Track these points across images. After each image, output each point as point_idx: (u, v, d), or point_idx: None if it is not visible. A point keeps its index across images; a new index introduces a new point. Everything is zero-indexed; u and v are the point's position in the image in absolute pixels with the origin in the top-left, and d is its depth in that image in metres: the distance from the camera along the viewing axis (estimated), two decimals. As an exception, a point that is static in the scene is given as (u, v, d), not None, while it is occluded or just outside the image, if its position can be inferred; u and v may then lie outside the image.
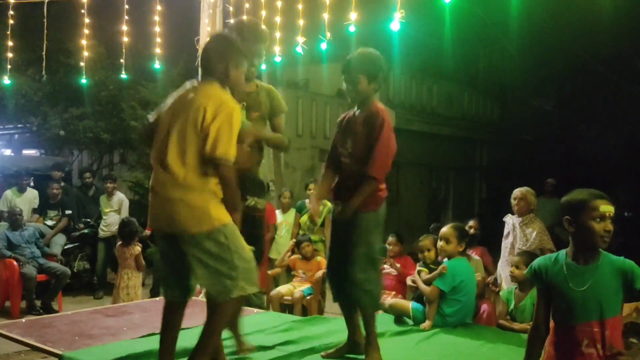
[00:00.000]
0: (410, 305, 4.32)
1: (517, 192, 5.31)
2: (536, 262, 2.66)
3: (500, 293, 4.76)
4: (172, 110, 2.86)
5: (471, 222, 5.81)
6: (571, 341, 2.48)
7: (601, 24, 11.37)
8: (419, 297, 4.33)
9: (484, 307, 4.79)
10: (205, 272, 2.76)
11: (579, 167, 13.20)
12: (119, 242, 6.44)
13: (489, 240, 6.24)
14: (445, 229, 4.31)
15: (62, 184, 8.68)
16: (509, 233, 5.33)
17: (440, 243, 4.31)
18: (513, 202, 5.31)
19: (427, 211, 14.83)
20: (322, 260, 6.22)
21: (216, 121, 2.72)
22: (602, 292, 2.47)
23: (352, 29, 4.77)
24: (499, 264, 5.42)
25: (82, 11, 7.12)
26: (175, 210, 2.74)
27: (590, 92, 14.46)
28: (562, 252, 2.59)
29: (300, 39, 5.70)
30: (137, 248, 6.28)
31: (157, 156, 2.83)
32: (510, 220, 5.35)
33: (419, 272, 4.46)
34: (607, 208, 2.46)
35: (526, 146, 15.30)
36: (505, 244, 5.35)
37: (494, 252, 5.80)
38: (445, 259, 4.30)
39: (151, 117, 3.01)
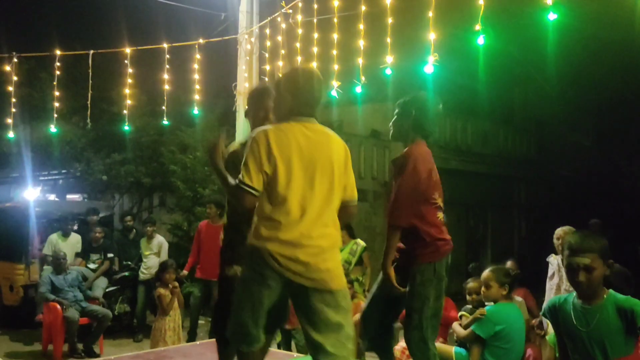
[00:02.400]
0: (452, 350, 4.22)
1: (559, 231, 5.19)
2: (549, 301, 2.74)
3: (547, 337, 4.61)
4: (304, 160, 2.71)
5: (509, 263, 5.68)
6: None
7: (638, 59, 11.24)
8: (462, 341, 4.23)
9: (529, 351, 4.65)
10: (334, 334, 2.64)
11: (622, 204, 12.86)
12: (158, 284, 6.56)
13: (531, 280, 6.09)
14: (484, 273, 4.21)
15: (105, 227, 8.88)
16: (554, 274, 5.19)
17: (482, 289, 4.21)
18: (556, 241, 5.18)
19: (465, 251, 14.58)
20: (359, 302, 6.15)
21: (348, 167, 2.80)
22: (605, 333, 2.47)
23: (388, 72, 4.84)
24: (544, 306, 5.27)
25: (125, 61, 7.44)
26: (324, 264, 2.63)
27: (630, 127, 14.20)
28: (573, 293, 2.64)
29: (335, 83, 5.80)
30: (176, 285, 6.43)
31: (302, 202, 2.67)
32: (555, 261, 5.22)
33: (460, 317, 4.37)
34: (570, 261, 2.57)
35: (565, 183, 15.02)
36: (551, 285, 5.21)
37: (536, 292, 5.65)
38: (489, 304, 4.19)
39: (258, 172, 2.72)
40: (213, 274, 7.52)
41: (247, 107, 3.39)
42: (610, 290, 2.58)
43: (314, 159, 2.71)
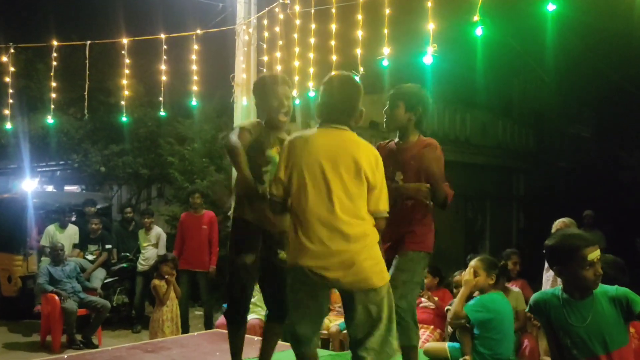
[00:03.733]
0: (446, 346, 4.22)
1: (558, 222, 5.20)
2: (535, 297, 2.71)
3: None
4: (327, 160, 2.67)
5: (512, 256, 5.70)
6: None
7: (638, 50, 11.21)
8: (454, 336, 4.24)
9: (526, 342, 4.66)
10: (378, 331, 2.66)
11: (621, 196, 12.87)
12: (155, 276, 6.58)
13: (529, 271, 6.10)
14: (472, 262, 4.21)
15: (103, 218, 8.89)
16: (550, 265, 5.20)
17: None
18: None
19: (463, 242, 14.59)
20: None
21: (378, 174, 2.68)
22: (604, 325, 2.46)
23: (385, 63, 4.82)
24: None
25: (123, 52, 7.40)
26: (361, 264, 2.61)
27: (629, 119, 14.19)
28: (558, 287, 2.62)
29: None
30: (173, 274, 6.45)
31: (329, 207, 2.62)
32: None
33: (446, 311, 4.42)
34: (594, 255, 2.51)
35: (564, 174, 15.03)
36: (547, 276, 5.22)
37: (534, 284, 5.66)
38: (477, 293, 4.19)
39: (277, 183, 2.76)
40: (198, 264, 7.58)
41: (256, 99, 3.31)
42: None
43: (335, 161, 2.66)
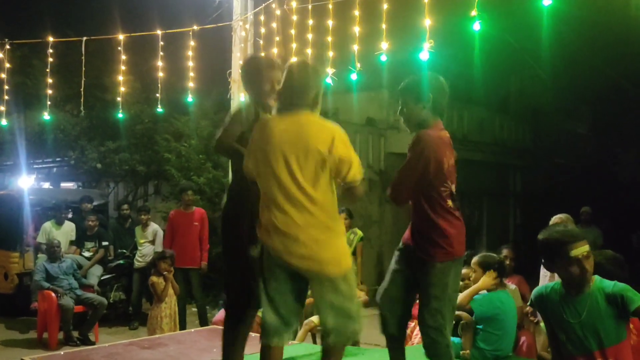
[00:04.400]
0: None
1: (555, 218, 5.19)
2: (536, 291, 2.68)
3: (541, 324, 4.63)
4: (282, 147, 2.75)
5: (505, 251, 5.69)
6: None
7: (634, 47, 11.21)
8: (455, 330, 4.24)
9: (523, 338, 4.66)
10: (336, 315, 2.75)
11: (617, 192, 12.89)
12: (152, 273, 6.57)
13: (526, 267, 6.09)
14: (473, 260, 4.25)
15: (99, 215, 8.87)
16: (548, 261, 5.20)
17: (470, 274, 4.27)
18: (552, 229, 5.19)
19: (460, 239, 14.59)
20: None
21: (340, 149, 2.74)
22: (599, 322, 2.45)
23: (383, 58, 4.80)
24: (538, 293, 5.28)
25: (119, 48, 7.36)
26: (318, 251, 2.70)
27: (626, 115, 14.19)
28: (558, 282, 2.58)
29: (330, 71, 5.76)
30: (171, 270, 6.44)
31: (286, 194, 2.71)
32: (548, 248, 5.23)
33: None
34: (579, 251, 2.47)
35: (561, 171, 15.03)
36: (545, 272, 5.22)
37: (531, 280, 5.66)
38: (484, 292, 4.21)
39: (247, 164, 2.88)
40: (189, 261, 7.55)
41: (246, 80, 3.31)
42: (596, 277, 2.55)
43: (292, 148, 2.74)
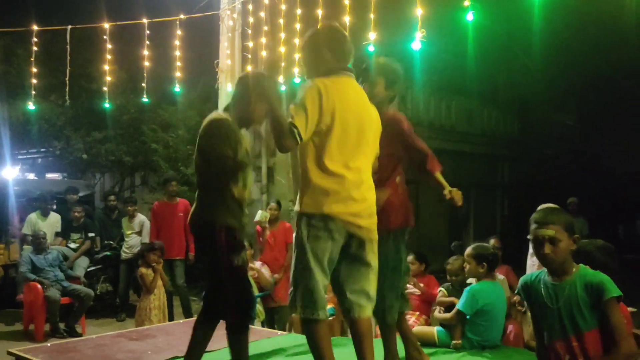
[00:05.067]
0: (434, 330, 4.23)
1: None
2: (522, 279, 2.75)
3: (528, 313, 4.65)
4: (356, 117, 2.81)
5: (492, 241, 5.71)
6: (555, 358, 2.53)
7: (623, 37, 11.26)
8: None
9: (511, 327, 4.68)
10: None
11: (605, 183, 12.99)
12: (140, 263, 6.52)
13: (513, 258, 6.13)
14: (466, 251, 4.26)
15: (85, 206, 8.78)
16: (534, 251, 5.23)
17: (465, 265, 4.26)
18: (538, 220, 5.20)
19: (448, 229, 14.67)
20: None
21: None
22: (575, 307, 2.49)
23: (371, 48, 4.77)
24: (525, 283, 5.31)
25: (104, 37, 7.27)
26: (374, 217, 2.85)
27: (614, 106, 14.28)
28: (544, 270, 2.65)
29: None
30: (160, 262, 6.40)
31: (355, 162, 2.81)
32: (535, 238, 5.25)
33: (439, 291, 4.48)
34: (536, 233, 2.54)
35: (548, 162, 15.12)
36: (532, 262, 5.25)
37: (518, 270, 5.69)
38: (471, 281, 4.23)
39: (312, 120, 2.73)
40: (174, 252, 7.50)
41: (251, 94, 3.09)
42: (581, 265, 2.58)
43: (363, 116, 2.81)
